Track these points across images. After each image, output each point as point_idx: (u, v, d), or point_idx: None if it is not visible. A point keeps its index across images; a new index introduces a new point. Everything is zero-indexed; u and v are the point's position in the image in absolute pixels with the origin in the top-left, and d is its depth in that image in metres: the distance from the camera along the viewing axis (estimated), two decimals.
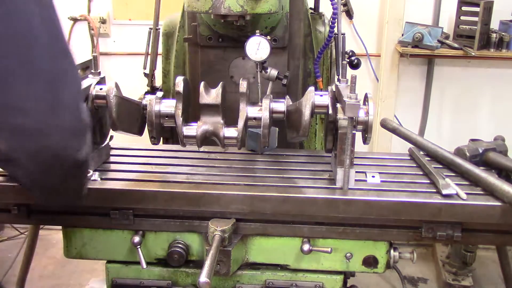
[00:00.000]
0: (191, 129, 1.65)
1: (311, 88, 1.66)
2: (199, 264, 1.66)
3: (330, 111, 1.63)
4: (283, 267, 1.69)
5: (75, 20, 3.96)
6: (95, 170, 1.68)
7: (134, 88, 2.23)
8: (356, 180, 1.63)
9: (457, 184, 1.61)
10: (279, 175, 1.71)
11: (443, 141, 3.81)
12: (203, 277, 1.34)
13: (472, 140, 1.88)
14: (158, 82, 2.51)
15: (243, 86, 1.65)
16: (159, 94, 1.70)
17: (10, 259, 3.53)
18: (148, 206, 1.60)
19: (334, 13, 2.19)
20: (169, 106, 1.66)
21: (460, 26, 3.69)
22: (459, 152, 1.83)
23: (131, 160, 1.84)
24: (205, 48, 2.13)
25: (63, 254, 1.74)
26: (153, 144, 1.72)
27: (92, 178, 1.63)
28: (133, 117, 1.70)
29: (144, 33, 2.51)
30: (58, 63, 1.12)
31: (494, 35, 3.59)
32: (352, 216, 1.57)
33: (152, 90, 2.46)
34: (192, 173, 1.73)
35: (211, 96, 1.66)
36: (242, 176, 1.70)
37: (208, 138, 1.68)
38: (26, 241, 2.63)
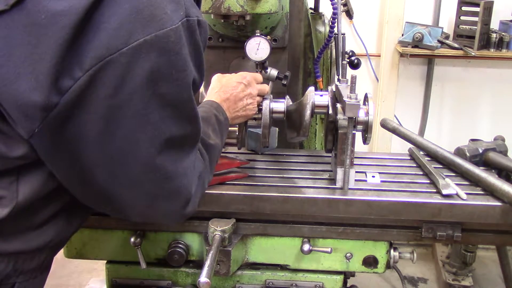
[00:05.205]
0: None
1: (311, 88, 1.66)
2: (199, 264, 1.66)
3: (330, 111, 1.63)
4: (283, 267, 1.69)
5: None
6: None
7: None
8: (356, 180, 1.63)
9: (457, 184, 1.61)
10: (279, 175, 1.71)
11: (443, 141, 3.82)
12: (203, 277, 1.34)
13: (472, 140, 1.88)
14: None
15: None
16: None
17: None
18: None
19: (334, 13, 2.19)
20: None
21: (460, 26, 3.69)
22: (459, 152, 1.83)
23: None
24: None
25: (63, 254, 1.74)
26: None
27: None
28: None
29: None
30: None
31: (494, 35, 3.59)
32: (352, 216, 1.57)
33: None
34: None
35: None
36: None
37: None
38: None
